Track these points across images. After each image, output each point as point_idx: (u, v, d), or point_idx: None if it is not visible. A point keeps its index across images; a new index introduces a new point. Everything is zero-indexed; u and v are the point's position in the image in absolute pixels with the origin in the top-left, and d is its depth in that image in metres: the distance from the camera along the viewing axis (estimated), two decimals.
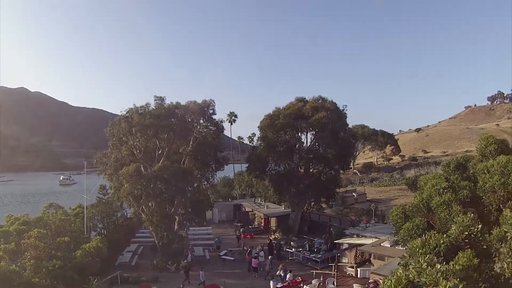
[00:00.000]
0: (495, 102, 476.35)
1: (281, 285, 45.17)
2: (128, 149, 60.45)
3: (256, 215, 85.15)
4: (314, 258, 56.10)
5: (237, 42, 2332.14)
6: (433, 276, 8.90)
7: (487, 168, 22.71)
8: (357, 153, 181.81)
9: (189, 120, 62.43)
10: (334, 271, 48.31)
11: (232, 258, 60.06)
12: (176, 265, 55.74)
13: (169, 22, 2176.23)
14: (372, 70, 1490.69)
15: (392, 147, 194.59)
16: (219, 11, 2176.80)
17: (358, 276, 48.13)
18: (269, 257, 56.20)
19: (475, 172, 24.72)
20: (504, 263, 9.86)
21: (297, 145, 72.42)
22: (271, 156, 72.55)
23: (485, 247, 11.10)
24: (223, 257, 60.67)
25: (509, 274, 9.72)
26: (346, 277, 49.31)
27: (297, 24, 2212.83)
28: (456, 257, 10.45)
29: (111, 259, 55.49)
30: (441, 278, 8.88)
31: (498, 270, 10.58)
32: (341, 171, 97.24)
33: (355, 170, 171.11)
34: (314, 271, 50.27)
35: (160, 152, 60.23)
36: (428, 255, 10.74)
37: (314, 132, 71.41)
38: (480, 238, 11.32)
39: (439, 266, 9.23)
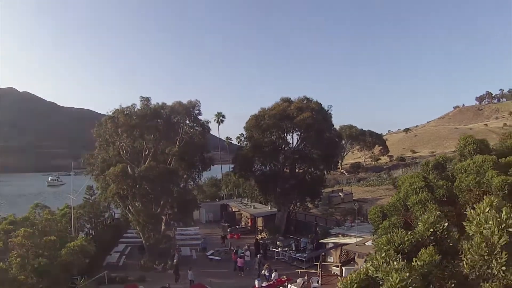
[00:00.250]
0: (483, 102, 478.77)
1: (266, 284, 45.55)
2: (115, 150, 60.45)
3: (243, 215, 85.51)
4: (299, 258, 56.43)
5: (229, 41, 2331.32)
6: (388, 271, 9.27)
7: (464, 167, 23.20)
8: (345, 153, 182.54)
9: (175, 120, 62.68)
10: (319, 270, 48.74)
11: (219, 258, 60.48)
12: (163, 265, 56.07)
13: (157, 22, 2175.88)
14: (361, 71, 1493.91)
15: (381, 147, 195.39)
16: (208, 11, 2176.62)
17: (343, 275, 48.13)
18: (258, 255, 57.00)
19: (454, 172, 25.17)
20: (465, 259, 10.21)
21: (282, 146, 73.10)
22: (257, 156, 73.13)
23: (451, 244, 11.46)
24: (209, 257, 61.10)
25: (468, 270, 10.08)
26: (331, 276, 49.61)
27: (285, 23, 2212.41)
28: (419, 254, 10.88)
29: (98, 259, 55.63)
30: (393, 272, 9.26)
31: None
32: (328, 171, 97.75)
33: (342, 170, 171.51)
34: (299, 270, 50.64)
35: (146, 152, 60.37)
36: (385, 252, 11.17)
37: (299, 133, 71.98)
38: (446, 236, 11.70)
39: (394, 263, 9.61)
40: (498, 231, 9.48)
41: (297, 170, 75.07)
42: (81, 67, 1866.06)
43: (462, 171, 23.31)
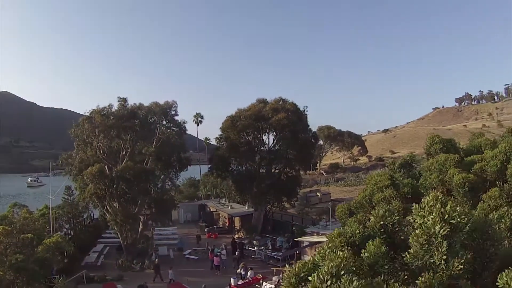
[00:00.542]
0: (463, 103, 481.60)
1: (242, 282, 46.08)
2: (92, 150, 60.42)
3: (220, 215, 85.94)
4: (275, 256, 56.90)
5: (212, 42, 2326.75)
6: (332, 259, 9.79)
7: (428, 166, 23.89)
8: (323, 154, 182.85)
9: (152, 121, 62.96)
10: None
11: (196, 257, 60.80)
12: (141, 264, 56.42)
13: (136, 23, 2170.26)
14: (341, 72, 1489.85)
15: (359, 148, 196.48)
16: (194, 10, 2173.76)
17: None
18: (237, 252, 57.97)
19: (421, 170, 25.86)
20: (411, 250, 10.76)
21: (258, 146, 73.78)
22: (233, 156, 73.70)
23: (403, 238, 12.00)
24: (187, 256, 61.40)
25: (411, 259, 10.64)
26: None
27: (263, 24, 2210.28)
28: (366, 245, 11.46)
29: (77, 259, 56.14)
30: (328, 260, 9.79)
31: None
32: (305, 171, 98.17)
33: (321, 171, 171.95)
34: (275, 269, 51.12)
35: (124, 152, 60.55)
36: (332, 242, 11.77)
37: (275, 133, 72.62)
38: (397, 229, 12.25)
39: (340, 253, 10.13)
40: (440, 222, 10.04)
41: (273, 170, 75.59)
42: (61, 67, 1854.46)
43: (427, 170, 23.99)
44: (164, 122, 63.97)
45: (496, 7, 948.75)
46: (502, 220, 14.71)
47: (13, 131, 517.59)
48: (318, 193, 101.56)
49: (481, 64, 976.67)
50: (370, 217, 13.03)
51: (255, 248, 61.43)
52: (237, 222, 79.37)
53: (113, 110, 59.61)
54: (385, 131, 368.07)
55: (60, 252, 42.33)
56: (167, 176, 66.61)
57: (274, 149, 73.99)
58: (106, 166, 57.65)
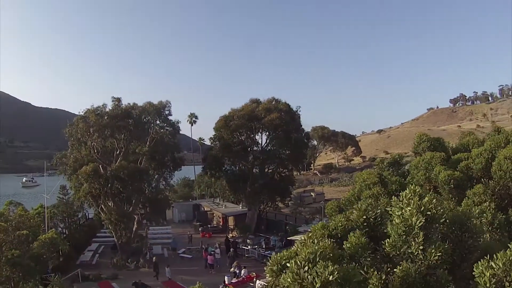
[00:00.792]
0: (457, 104, 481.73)
1: (236, 280, 46.49)
2: (87, 149, 60.98)
3: (214, 215, 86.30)
4: (269, 255, 57.00)
5: (205, 42, 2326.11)
6: (310, 247, 10.23)
7: (416, 164, 24.38)
8: (317, 154, 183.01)
9: (146, 120, 63.32)
10: None
11: (190, 256, 61.31)
12: (136, 263, 56.83)
13: (132, 23, 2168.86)
14: (335, 72, 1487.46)
15: (353, 148, 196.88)
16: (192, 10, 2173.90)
17: None
18: (231, 249, 58.32)
19: (409, 168, 26.34)
20: (389, 239, 11.23)
21: (251, 146, 74.43)
22: (226, 156, 74.19)
23: (385, 231, 12.42)
24: (181, 255, 61.87)
25: (389, 249, 11.09)
26: None
27: (257, 24, 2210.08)
28: (348, 236, 11.95)
29: (72, 258, 56.45)
30: (305, 248, 10.26)
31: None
32: (298, 171, 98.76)
33: (315, 171, 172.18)
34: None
35: (118, 152, 60.95)
36: (313, 233, 12.24)
37: (268, 133, 73.19)
38: (380, 222, 12.68)
39: (320, 243, 10.56)
40: (417, 214, 10.51)
41: (266, 170, 76.18)
42: (57, 67, 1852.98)
43: (414, 168, 24.47)
44: (157, 122, 64.36)
45: (490, 8, 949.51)
46: (484, 214, 15.16)
47: (7, 131, 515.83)
48: (312, 193, 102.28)
49: (476, 65, 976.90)
50: (353, 211, 13.47)
51: (249, 247, 61.73)
52: (231, 221, 79.67)
53: (107, 109, 60.05)
54: (380, 131, 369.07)
55: (55, 250, 42.65)
56: (161, 175, 66.83)
57: (267, 149, 74.56)
58: (100, 166, 58.01)
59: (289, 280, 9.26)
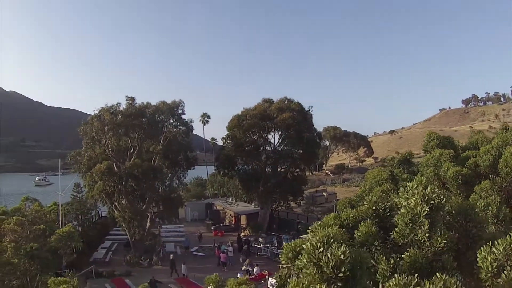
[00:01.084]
0: (469, 105, 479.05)
1: (248, 278, 46.92)
2: (101, 148, 61.57)
3: (227, 213, 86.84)
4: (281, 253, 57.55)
5: (219, 42, 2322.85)
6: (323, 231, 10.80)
7: (425, 161, 24.83)
8: (329, 155, 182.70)
9: (159, 119, 63.77)
10: None
11: (203, 254, 61.69)
12: (149, 260, 57.37)
13: (145, 23, 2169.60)
14: (348, 73, 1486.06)
15: (365, 149, 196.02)
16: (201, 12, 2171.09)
17: None
18: (245, 246, 59.82)
19: (419, 166, 26.81)
20: (397, 228, 11.84)
21: (264, 145, 74.85)
22: (239, 155, 74.74)
23: (394, 222, 12.95)
24: (194, 253, 62.31)
25: (397, 237, 11.68)
26: None
27: (270, 24, 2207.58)
28: (359, 226, 12.59)
29: (85, 255, 57.10)
30: (317, 233, 10.87)
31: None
32: (310, 171, 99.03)
33: (327, 171, 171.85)
34: (281, 265, 51.81)
35: (131, 150, 61.46)
36: (324, 221, 12.87)
37: (280, 132, 73.55)
38: (389, 214, 13.25)
39: (330, 229, 11.11)
40: (421, 203, 11.08)
41: (278, 169, 76.63)
42: (69, 67, 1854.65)
43: (424, 165, 24.93)
44: (171, 121, 64.89)
45: (503, 9, 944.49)
46: (489, 207, 15.64)
47: (20, 130, 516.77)
48: (324, 193, 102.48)
49: (488, 66, 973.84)
50: (364, 203, 14.04)
51: (261, 245, 62.25)
52: (243, 220, 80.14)
53: (121, 108, 60.67)
54: (392, 132, 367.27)
55: (72, 244, 43.29)
56: (175, 174, 67.38)
57: (279, 149, 74.96)
58: (114, 164, 58.51)
59: (304, 260, 9.85)
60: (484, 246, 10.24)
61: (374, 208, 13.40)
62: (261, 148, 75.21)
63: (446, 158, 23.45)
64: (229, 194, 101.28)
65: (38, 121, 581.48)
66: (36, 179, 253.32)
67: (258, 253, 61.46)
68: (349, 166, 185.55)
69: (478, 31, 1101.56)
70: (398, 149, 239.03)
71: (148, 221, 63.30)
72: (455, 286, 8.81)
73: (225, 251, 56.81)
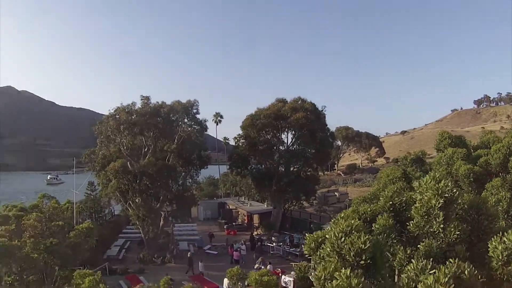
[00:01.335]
0: (481, 105, 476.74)
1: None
2: (115, 146, 62.26)
3: (239, 213, 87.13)
4: (294, 252, 58.60)
5: (232, 42, 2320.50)
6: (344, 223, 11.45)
7: (438, 160, 25.38)
8: (341, 155, 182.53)
9: (174, 119, 64.26)
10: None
11: (216, 252, 62.37)
12: (162, 258, 57.95)
13: (156, 22, 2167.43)
14: (360, 73, 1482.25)
15: (377, 149, 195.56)
16: (210, 11, 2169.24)
17: None
18: (258, 243, 61.11)
19: (431, 164, 27.34)
20: (413, 221, 12.48)
21: (277, 144, 75.21)
22: (252, 154, 75.06)
23: (409, 215, 13.57)
24: (207, 251, 62.94)
25: (414, 229, 12.30)
26: None
27: (283, 24, 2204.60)
28: (377, 219, 13.25)
29: (99, 252, 57.33)
30: (339, 223, 11.51)
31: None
32: (323, 171, 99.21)
33: (339, 171, 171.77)
34: (294, 263, 52.37)
35: (146, 149, 62.08)
36: (344, 214, 13.53)
37: (293, 132, 73.86)
38: (404, 208, 13.88)
39: (352, 221, 11.73)
40: (435, 196, 11.67)
41: (291, 169, 76.79)
42: (81, 67, 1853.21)
43: (437, 163, 25.46)
44: (185, 120, 65.32)
45: None
46: (500, 203, 16.19)
47: (32, 129, 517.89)
48: (336, 193, 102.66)
49: (500, 66, 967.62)
50: (380, 198, 14.68)
51: (274, 244, 62.79)
52: (256, 219, 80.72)
53: (136, 108, 61.42)
54: (403, 132, 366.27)
55: (91, 240, 43.94)
56: (188, 173, 67.75)
57: (292, 148, 75.33)
58: (128, 162, 59.23)
59: (328, 249, 10.51)
60: (495, 237, 10.85)
61: (390, 203, 14.08)
62: (275, 147, 75.61)
63: (458, 157, 24.00)
64: (241, 194, 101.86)
65: (50, 121, 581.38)
66: (48, 178, 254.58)
67: (271, 252, 61.98)
68: (360, 166, 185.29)
69: (491, 32, 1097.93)
70: (409, 149, 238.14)
71: (162, 220, 63.84)
72: (467, 270, 9.40)
73: (238, 249, 57.43)
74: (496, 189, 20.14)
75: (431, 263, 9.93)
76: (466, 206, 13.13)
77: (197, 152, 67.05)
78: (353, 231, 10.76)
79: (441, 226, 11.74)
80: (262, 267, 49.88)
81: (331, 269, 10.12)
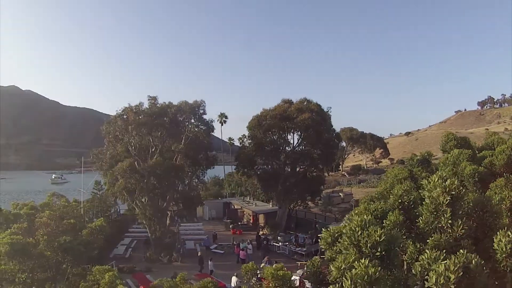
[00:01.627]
0: (485, 107, 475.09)
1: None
2: (123, 146, 62.83)
3: (245, 212, 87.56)
4: (299, 251, 59.16)
5: (236, 43, 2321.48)
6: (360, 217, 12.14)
7: (444, 160, 25.97)
8: (345, 156, 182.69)
9: (181, 119, 64.73)
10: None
11: (222, 252, 62.85)
12: (169, 257, 58.50)
13: (160, 23, 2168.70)
14: (364, 75, 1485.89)
15: (381, 150, 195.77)
16: (219, 11, 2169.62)
17: None
18: (265, 242, 61.46)
19: (437, 165, 27.92)
20: (422, 217, 13.17)
21: (283, 145, 75.63)
22: (258, 155, 75.45)
23: (417, 214, 14.23)
24: (213, 250, 63.38)
25: (423, 225, 12.98)
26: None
27: (288, 26, 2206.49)
28: (387, 216, 13.93)
29: (106, 251, 57.92)
30: (354, 218, 12.21)
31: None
32: (328, 171, 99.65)
33: (343, 172, 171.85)
34: (299, 263, 52.89)
35: (153, 149, 62.45)
36: (358, 210, 14.21)
37: (299, 132, 74.31)
38: (413, 206, 14.58)
39: (365, 216, 12.39)
40: (443, 193, 12.33)
41: (297, 169, 77.28)
42: (85, 66, 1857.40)
43: (442, 164, 26.04)
44: (192, 121, 65.78)
45: None
46: (503, 202, 16.78)
47: (36, 129, 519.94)
48: (340, 194, 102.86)
49: (504, 68, 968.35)
50: (390, 196, 15.39)
51: (280, 243, 63.35)
52: (261, 219, 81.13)
53: (143, 108, 61.94)
54: (408, 134, 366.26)
55: (103, 238, 44.49)
56: (194, 173, 67.99)
57: (298, 149, 75.79)
58: (136, 162, 59.80)
59: (346, 243, 11.22)
60: (500, 231, 11.51)
61: (400, 201, 14.79)
62: (281, 148, 75.97)
63: (464, 157, 24.57)
64: (246, 194, 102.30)
65: (54, 120, 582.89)
66: (53, 177, 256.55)
67: (277, 251, 62.55)
68: (365, 167, 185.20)
69: (495, 33, 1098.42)
70: (414, 150, 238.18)
71: (168, 219, 64.39)
72: (474, 261, 10.09)
73: (245, 248, 57.97)
74: (500, 189, 20.62)
75: (443, 254, 10.63)
76: (471, 204, 13.79)
77: (204, 152, 67.30)
78: (368, 225, 11.48)
79: (449, 221, 12.40)
80: (268, 265, 50.50)
81: (351, 259, 10.81)
